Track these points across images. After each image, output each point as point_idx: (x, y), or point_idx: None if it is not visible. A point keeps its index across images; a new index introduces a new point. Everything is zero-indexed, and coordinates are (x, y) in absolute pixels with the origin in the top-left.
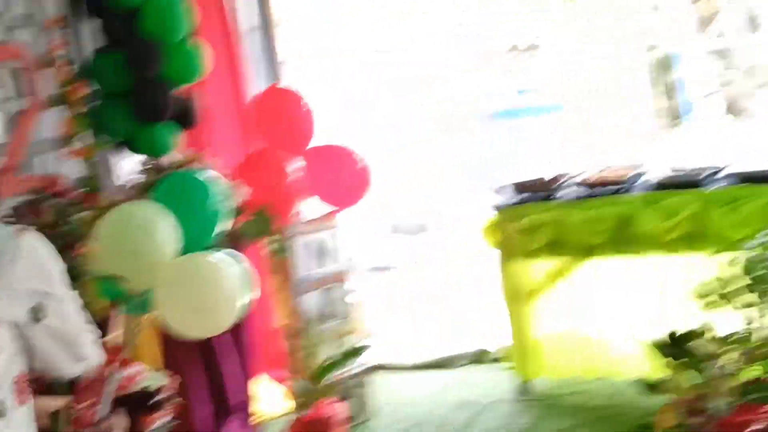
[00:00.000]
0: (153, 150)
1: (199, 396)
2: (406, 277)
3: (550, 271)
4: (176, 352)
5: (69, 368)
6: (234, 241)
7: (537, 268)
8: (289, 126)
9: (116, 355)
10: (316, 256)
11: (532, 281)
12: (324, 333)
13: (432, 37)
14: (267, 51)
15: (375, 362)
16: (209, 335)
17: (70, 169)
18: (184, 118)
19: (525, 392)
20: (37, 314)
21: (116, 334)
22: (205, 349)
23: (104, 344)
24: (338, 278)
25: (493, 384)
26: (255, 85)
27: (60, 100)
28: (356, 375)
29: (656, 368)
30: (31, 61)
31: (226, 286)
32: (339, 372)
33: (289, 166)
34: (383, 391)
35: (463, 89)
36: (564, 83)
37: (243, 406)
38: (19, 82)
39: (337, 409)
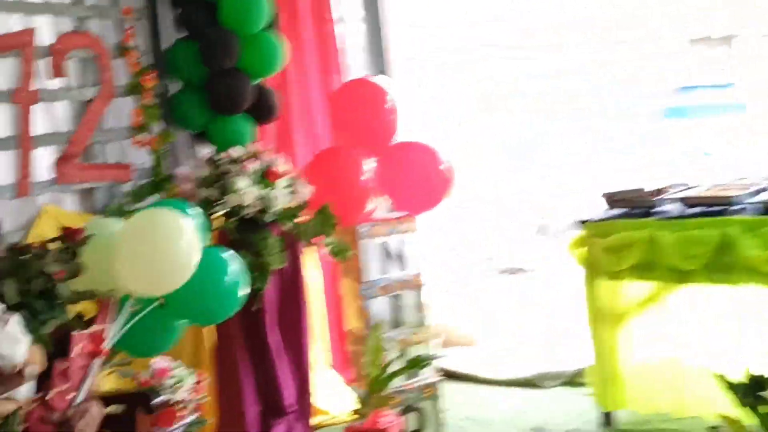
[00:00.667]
0: (227, 142)
1: (248, 395)
2: (538, 281)
3: (639, 294)
4: (227, 350)
5: None
6: (292, 239)
7: (625, 291)
8: (369, 121)
9: (99, 345)
10: (389, 260)
11: (619, 304)
12: (391, 340)
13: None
14: (373, 45)
15: (461, 373)
16: (162, 292)
17: (140, 158)
18: (262, 110)
19: (606, 424)
20: None
21: (102, 326)
22: (258, 348)
23: (90, 335)
24: (411, 284)
25: (578, 410)
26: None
27: (131, 90)
28: (425, 387)
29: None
30: (104, 50)
31: (180, 244)
32: (405, 382)
33: (364, 164)
34: (459, 406)
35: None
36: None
37: (297, 409)
38: (89, 72)
39: (394, 421)
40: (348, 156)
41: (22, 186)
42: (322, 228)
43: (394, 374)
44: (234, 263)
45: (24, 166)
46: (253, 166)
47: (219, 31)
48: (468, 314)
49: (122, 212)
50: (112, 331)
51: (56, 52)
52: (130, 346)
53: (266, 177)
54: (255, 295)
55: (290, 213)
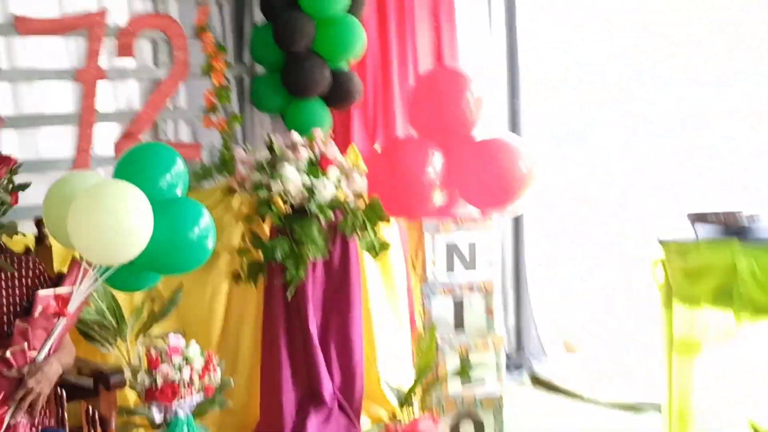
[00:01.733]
0: (303, 126)
1: (285, 381)
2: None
3: (717, 324)
4: (270, 336)
5: None
6: (337, 231)
7: (701, 319)
8: (446, 112)
9: (65, 306)
10: (459, 259)
11: (694, 333)
12: (451, 343)
13: None
14: None
15: (553, 384)
16: (113, 262)
17: (211, 138)
18: (338, 95)
19: None
20: None
21: (69, 288)
22: (299, 336)
23: (55, 296)
24: (479, 287)
25: None
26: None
27: (205, 71)
28: (485, 397)
29: None
30: (178, 31)
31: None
32: (463, 389)
33: (432, 157)
34: (538, 418)
35: None
36: None
37: (340, 399)
38: (160, 52)
39: (434, 429)
40: (416, 147)
41: (80, 159)
42: (368, 221)
43: (439, 379)
44: (201, 216)
45: (84, 141)
46: (306, 153)
47: (293, 14)
48: (573, 319)
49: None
50: (77, 295)
51: (125, 33)
52: (115, 284)
53: (318, 166)
54: (290, 284)
55: (334, 204)
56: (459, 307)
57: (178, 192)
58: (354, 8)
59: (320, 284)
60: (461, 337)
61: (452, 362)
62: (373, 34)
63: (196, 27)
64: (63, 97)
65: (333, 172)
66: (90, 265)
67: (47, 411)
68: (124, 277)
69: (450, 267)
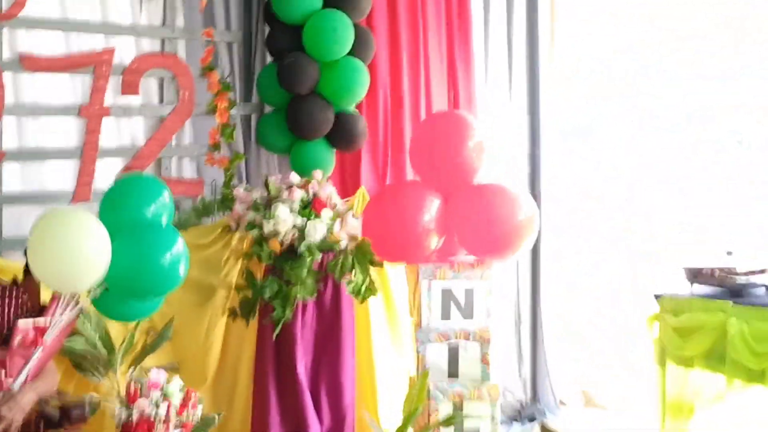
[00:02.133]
0: (306, 166)
1: (273, 420)
2: None
3: (708, 386)
4: (260, 375)
5: None
6: (328, 272)
7: (693, 380)
8: (448, 157)
9: (41, 336)
10: (456, 307)
11: (686, 394)
12: (444, 391)
13: None
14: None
15: None
16: (72, 291)
17: (213, 175)
18: (341, 137)
19: None
20: None
21: (47, 319)
22: (288, 376)
23: (35, 326)
24: (475, 335)
25: None
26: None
27: (210, 109)
28: None
29: None
30: (183, 70)
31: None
32: None
33: (430, 202)
34: None
35: None
36: None
37: None
38: (167, 90)
39: None
40: (413, 191)
41: (81, 192)
42: (358, 264)
43: (430, 426)
44: (173, 242)
45: (85, 174)
46: (299, 194)
47: (297, 55)
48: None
49: (186, 225)
50: (54, 324)
51: (131, 71)
52: (107, 313)
53: (311, 207)
54: (277, 324)
55: (324, 245)
56: (454, 355)
57: (163, 221)
58: (360, 51)
59: (310, 326)
60: (455, 386)
61: (445, 410)
62: (384, 75)
63: (202, 66)
64: (67, 132)
65: (326, 213)
66: (67, 296)
67: None
68: (112, 306)
69: (445, 314)
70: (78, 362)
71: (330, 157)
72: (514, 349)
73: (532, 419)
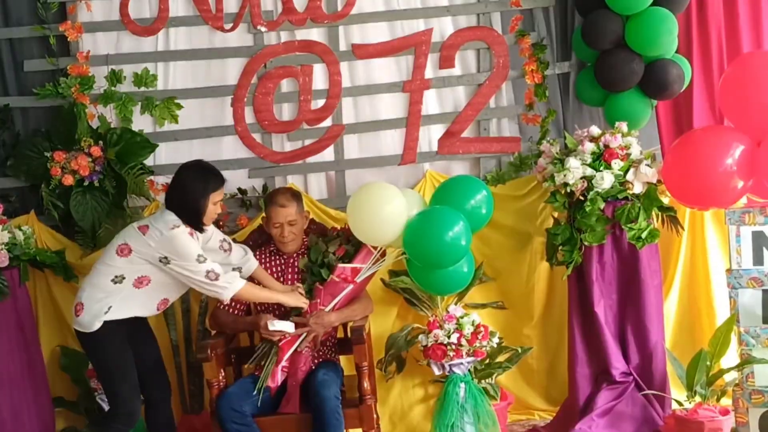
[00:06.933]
0: (619, 117)
1: (579, 357)
2: None
3: None
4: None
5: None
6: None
7: None
8: (755, 100)
9: (354, 277)
10: None
11: None
12: (757, 337)
13: None
14: None
15: None
16: (378, 243)
17: (531, 132)
18: (652, 86)
19: None
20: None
21: (360, 265)
22: (588, 317)
23: (351, 268)
24: None
25: None
26: None
27: (521, 73)
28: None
29: None
30: (497, 39)
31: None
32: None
33: (734, 146)
34: None
35: None
36: None
37: (634, 379)
38: (482, 60)
39: (716, 419)
40: (716, 136)
41: (407, 155)
42: (642, 210)
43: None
44: (455, 222)
45: (410, 140)
46: (589, 147)
47: (600, 13)
48: None
49: (501, 180)
50: (364, 271)
51: (447, 47)
52: (428, 288)
53: (602, 158)
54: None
55: (611, 193)
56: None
57: (483, 212)
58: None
59: (609, 270)
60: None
61: (760, 355)
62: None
63: (514, 34)
64: (394, 105)
65: (616, 164)
66: (375, 248)
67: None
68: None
69: (758, 258)
70: (409, 299)
71: (644, 107)
72: None
73: None
